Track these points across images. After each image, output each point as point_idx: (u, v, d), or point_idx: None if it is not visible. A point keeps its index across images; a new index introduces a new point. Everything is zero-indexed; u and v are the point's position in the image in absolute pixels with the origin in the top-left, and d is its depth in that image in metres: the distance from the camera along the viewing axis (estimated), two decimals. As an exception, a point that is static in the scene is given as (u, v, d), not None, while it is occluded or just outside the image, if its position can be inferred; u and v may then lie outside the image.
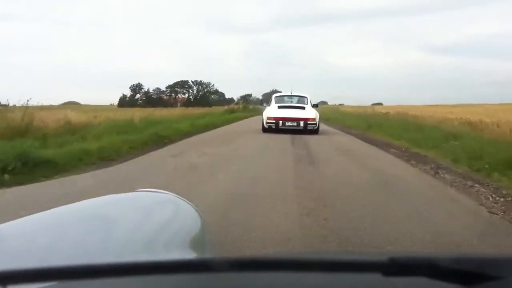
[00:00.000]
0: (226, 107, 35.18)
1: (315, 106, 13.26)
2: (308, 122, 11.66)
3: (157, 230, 0.90)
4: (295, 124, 11.66)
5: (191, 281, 0.58)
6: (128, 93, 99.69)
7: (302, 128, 11.61)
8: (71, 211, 0.94)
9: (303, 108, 12.24)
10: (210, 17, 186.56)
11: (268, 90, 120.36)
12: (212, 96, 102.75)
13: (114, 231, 0.84)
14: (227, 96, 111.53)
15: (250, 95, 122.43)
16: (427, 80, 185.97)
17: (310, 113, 11.95)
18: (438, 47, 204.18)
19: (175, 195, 1.09)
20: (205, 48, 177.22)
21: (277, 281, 0.56)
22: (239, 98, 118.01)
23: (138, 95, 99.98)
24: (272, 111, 12.06)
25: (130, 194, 1.08)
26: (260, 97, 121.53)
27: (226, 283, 0.57)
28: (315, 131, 11.74)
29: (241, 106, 39.68)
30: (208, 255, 0.97)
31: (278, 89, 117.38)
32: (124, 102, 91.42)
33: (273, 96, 13.83)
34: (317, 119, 11.94)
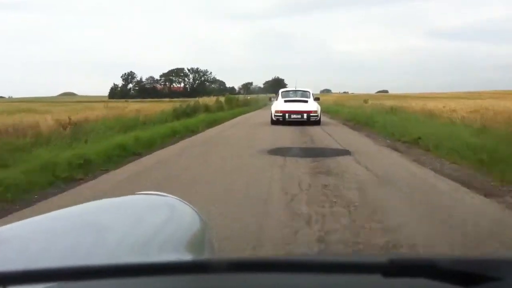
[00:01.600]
0: (179, 104, 17.80)
1: (316, 99, 15.63)
2: (311, 114, 14.05)
3: (150, 234, 0.94)
4: (299, 116, 14.02)
5: (189, 283, 0.61)
6: (119, 82, 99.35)
7: (305, 119, 13.95)
8: (65, 215, 0.98)
9: (306, 102, 14.70)
10: (210, 3, 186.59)
11: (269, 78, 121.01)
12: (212, 85, 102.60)
13: (107, 235, 0.88)
14: (227, 85, 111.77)
15: (251, 83, 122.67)
16: (433, 67, 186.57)
17: (312, 106, 14.43)
18: (444, 32, 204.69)
19: (175, 197, 1.13)
20: (205, 36, 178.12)
21: (276, 283, 0.59)
22: (240, 87, 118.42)
23: (130, 85, 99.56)
24: (279, 105, 14.53)
25: (126, 197, 1.12)
26: (262, 85, 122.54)
27: (224, 284, 0.60)
28: (317, 122, 14.02)
29: (223, 100, 24.83)
30: (208, 257, 1.01)
31: (281, 77, 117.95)
32: (115, 93, 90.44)
33: (280, 91, 16.35)
34: (319, 111, 14.45)
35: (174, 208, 1.08)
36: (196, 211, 1.09)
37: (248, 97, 45.76)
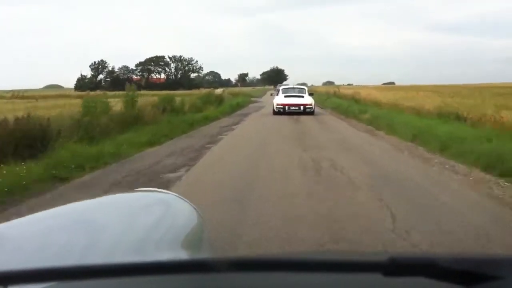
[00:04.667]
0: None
1: (310, 94, 22.27)
2: (306, 106, 20.17)
3: (145, 232, 1.03)
4: (297, 108, 20.05)
5: (190, 282, 0.69)
6: (88, 73, 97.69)
7: (302, 111, 19.93)
8: (60, 214, 1.07)
9: (302, 96, 21.10)
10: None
11: (267, 69, 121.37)
12: (207, 77, 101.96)
13: (103, 233, 0.97)
14: (223, 77, 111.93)
15: (246, 74, 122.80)
16: (438, 59, 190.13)
17: (307, 100, 20.72)
18: (446, 26, 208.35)
19: (173, 193, 1.23)
20: (200, 26, 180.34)
21: (277, 282, 0.67)
22: (236, 78, 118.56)
23: (101, 76, 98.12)
24: (280, 99, 20.74)
25: (123, 195, 1.22)
26: (259, 77, 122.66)
27: (224, 284, 0.67)
28: (311, 113, 19.96)
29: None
30: (205, 254, 1.10)
31: (280, 67, 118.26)
32: (82, 84, 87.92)
33: (280, 88, 23.92)
34: (313, 104, 20.73)
35: (170, 205, 1.18)
36: (194, 208, 1.19)
37: (221, 91, 32.71)
